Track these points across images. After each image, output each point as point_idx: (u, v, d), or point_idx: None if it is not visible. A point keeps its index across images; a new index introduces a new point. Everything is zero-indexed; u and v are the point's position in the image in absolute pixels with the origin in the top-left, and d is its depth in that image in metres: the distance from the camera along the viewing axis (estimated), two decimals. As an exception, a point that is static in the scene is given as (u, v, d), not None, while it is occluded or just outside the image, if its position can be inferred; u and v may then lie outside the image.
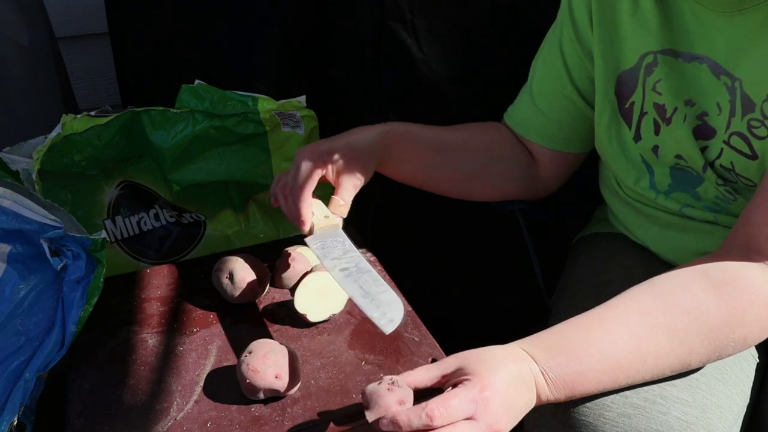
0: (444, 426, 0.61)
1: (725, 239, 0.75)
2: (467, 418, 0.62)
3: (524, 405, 0.66)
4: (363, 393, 0.68)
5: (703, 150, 0.81)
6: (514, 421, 0.66)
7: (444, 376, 0.67)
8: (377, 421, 0.65)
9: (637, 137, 0.87)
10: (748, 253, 0.71)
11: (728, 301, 0.68)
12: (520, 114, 1.00)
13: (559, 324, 0.71)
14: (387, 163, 0.91)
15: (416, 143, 0.94)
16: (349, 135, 0.89)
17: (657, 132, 0.85)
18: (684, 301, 0.69)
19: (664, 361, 0.68)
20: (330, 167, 0.85)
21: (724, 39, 0.76)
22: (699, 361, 0.70)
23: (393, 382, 0.67)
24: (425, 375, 0.68)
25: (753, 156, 0.77)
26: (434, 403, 0.61)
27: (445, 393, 0.63)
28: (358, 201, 1.30)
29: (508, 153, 0.99)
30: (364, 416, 0.68)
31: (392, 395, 0.66)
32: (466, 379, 0.64)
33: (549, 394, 0.67)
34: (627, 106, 0.87)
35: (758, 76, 0.74)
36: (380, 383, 0.68)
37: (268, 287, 0.96)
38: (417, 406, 0.62)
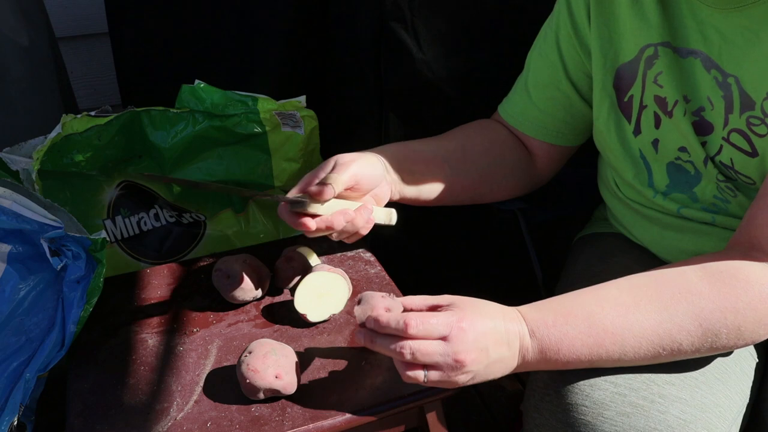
0: (416, 337, 0.67)
1: (729, 240, 0.76)
2: (440, 339, 0.67)
3: (500, 359, 0.69)
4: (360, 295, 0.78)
5: (703, 145, 0.81)
6: (485, 369, 0.69)
7: (436, 306, 0.72)
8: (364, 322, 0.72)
9: (637, 131, 0.87)
10: (749, 252, 0.71)
11: (721, 287, 0.69)
12: (514, 107, 1.00)
13: (549, 299, 0.74)
14: (404, 189, 0.90)
15: (422, 161, 0.93)
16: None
17: (657, 125, 0.85)
18: (676, 282, 0.71)
19: (652, 333, 0.69)
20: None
21: (719, 35, 0.76)
22: (690, 342, 0.69)
23: (388, 294, 0.76)
24: (420, 301, 0.73)
25: (753, 153, 0.77)
26: (413, 315, 0.68)
27: (427, 311, 0.70)
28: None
29: (508, 152, 0.99)
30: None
31: (382, 301, 0.75)
32: (452, 308, 0.70)
33: (534, 354, 0.70)
34: (626, 99, 0.87)
35: (758, 74, 0.74)
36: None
37: (268, 287, 0.96)
38: (399, 313, 0.70)
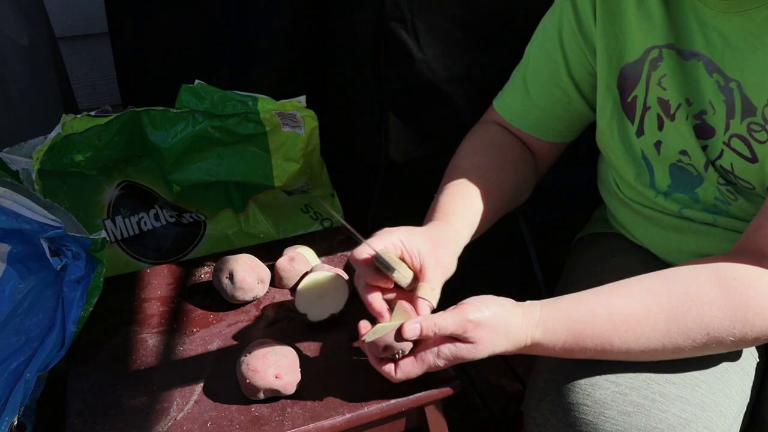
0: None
1: (736, 244, 0.76)
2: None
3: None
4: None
5: (704, 149, 0.81)
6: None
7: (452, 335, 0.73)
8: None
9: (640, 132, 0.87)
10: (760, 259, 0.71)
11: (733, 296, 0.69)
12: (513, 105, 0.98)
13: (569, 296, 0.75)
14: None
15: (474, 220, 0.90)
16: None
17: (660, 127, 0.85)
18: (689, 289, 0.70)
19: (657, 343, 0.70)
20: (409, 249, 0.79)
21: (722, 38, 0.76)
22: (692, 348, 0.70)
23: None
24: (439, 325, 0.73)
25: (753, 159, 0.77)
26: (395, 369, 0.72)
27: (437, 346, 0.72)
28: (359, 201, 1.30)
29: (523, 164, 0.98)
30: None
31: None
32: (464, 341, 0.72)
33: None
34: (629, 100, 0.87)
35: (760, 80, 0.74)
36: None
37: (268, 287, 0.96)
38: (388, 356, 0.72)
